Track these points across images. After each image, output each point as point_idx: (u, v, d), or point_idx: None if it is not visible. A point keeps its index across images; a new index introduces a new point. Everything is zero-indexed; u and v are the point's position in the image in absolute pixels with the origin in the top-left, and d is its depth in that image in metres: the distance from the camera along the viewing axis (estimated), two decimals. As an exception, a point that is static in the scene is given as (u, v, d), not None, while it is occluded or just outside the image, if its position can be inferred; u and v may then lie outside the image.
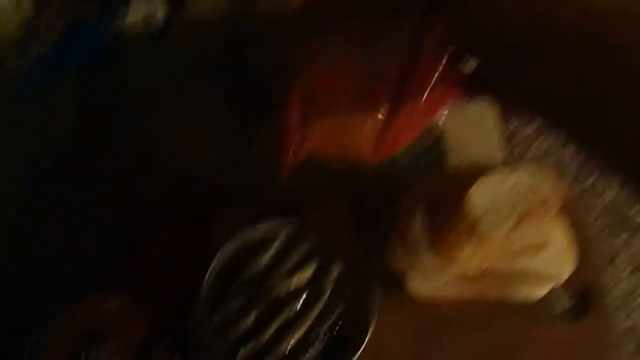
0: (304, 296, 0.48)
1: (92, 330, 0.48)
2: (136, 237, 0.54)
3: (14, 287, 0.52)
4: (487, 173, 0.48)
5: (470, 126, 0.61)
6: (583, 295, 0.54)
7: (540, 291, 0.53)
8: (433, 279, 0.52)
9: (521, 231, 0.46)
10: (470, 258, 0.45)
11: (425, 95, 0.52)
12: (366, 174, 0.54)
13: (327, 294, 0.49)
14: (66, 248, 0.53)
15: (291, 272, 0.49)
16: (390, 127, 0.52)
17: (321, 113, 0.51)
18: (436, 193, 0.49)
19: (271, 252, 0.50)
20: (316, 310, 0.48)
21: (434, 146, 0.60)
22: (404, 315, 0.52)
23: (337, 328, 0.48)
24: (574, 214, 0.54)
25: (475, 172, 0.49)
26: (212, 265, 0.48)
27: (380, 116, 0.52)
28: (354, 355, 0.46)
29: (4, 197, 0.55)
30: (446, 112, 0.55)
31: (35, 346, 0.48)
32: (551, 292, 0.53)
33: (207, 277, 0.48)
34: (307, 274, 0.49)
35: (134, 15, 0.59)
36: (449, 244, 0.45)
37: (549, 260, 0.50)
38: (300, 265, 0.50)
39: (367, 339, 0.47)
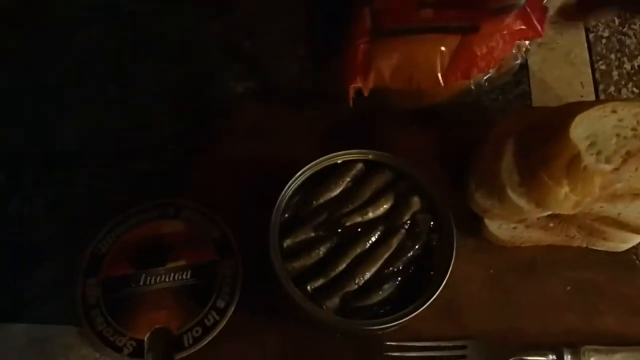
0: (379, 230, 0.46)
1: (152, 249, 0.48)
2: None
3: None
4: (586, 108, 0.43)
5: (558, 63, 0.57)
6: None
7: (628, 243, 0.49)
8: (515, 222, 0.48)
9: (624, 172, 0.42)
10: (566, 197, 0.42)
11: (505, 18, 0.48)
12: (449, 108, 0.50)
13: (404, 229, 0.46)
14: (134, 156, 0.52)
15: (367, 204, 0.46)
16: (463, 52, 0.49)
17: (391, 35, 0.47)
18: (527, 127, 0.45)
19: (348, 180, 0.47)
20: (392, 246, 0.45)
21: (517, 82, 0.56)
22: (480, 258, 0.49)
23: (412, 266, 0.45)
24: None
25: (570, 108, 0.45)
26: (285, 188, 0.46)
27: (453, 39, 0.49)
28: (431, 297, 0.43)
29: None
30: (529, 44, 0.51)
31: (94, 256, 0.48)
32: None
33: (279, 200, 0.45)
34: (383, 206, 0.46)
35: None
36: (545, 180, 0.42)
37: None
38: (377, 197, 0.47)
39: (445, 280, 0.43)
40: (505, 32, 0.49)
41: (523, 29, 0.49)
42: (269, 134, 0.53)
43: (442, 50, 0.48)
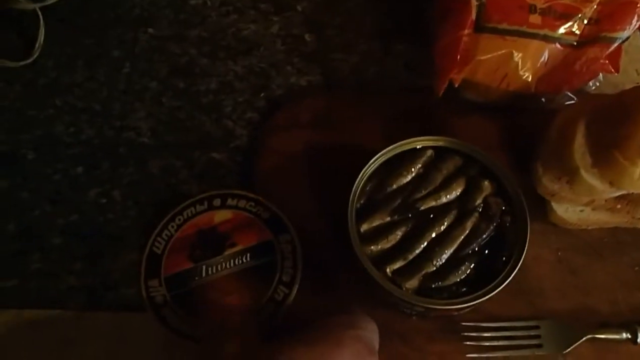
0: (452, 213, 0.47)
1: (207, 241, 0.50)
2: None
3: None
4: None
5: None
6: None
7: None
8: (582, 204, 0.49)
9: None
10: (640, 178, 0.43)
11: (609, 47, 0.50)
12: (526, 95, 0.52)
13: (477, 212, 0.47)
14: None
15: (439, 188, 0.47)
16: (563, 66, 0.50)
17: (495, 32, 0.48)
18: (597, 110, 0.46)
19: (419, 166, 0.48)
20: (466, 228, 0.46)
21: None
22: (548, 241, 0.50)
23: (486, 248, 0.46)
24: None
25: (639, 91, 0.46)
26: (360, 174, 0.47)
27: (556, 51, 0.50)
28: (508, 277, 0.44)
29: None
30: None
31: (150, 258, 0.49)
32: None
33: (355, 186, 0.46)
34: (455, 190, 0.48)
35: None
36: (620, 160, 0.43)
37: None
38: (448, 182, 0.48)
39: (522, 260, 0.44)
40: (602, 60, 0.51)
41: (607, 62, 0.52)
42: (333, 124, 0.54)
43: (543, 59, 0.50)
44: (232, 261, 0.48)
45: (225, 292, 0.48)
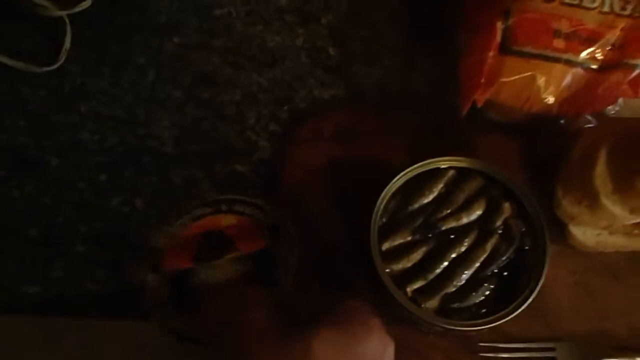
0: (473, 234, 0.47)
1: (209, 244, 0.48)
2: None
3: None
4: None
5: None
6: None
7: None
8: (600, 228, 0.50)
9: None
10: (663, 206, 0.43)
11: (632, 72, 0.50)
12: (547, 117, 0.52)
13: (498, 233, 0.47)
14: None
15: (461, 209, 0.48)
16: (585, 90, 0.51)
17: (519, 54, 0.49)
18: (620, 136, 0.47)
19: (441, 186, 0.49)
20: (486, 249, 0.47)
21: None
22: (565, 263, 0.51)
23: (507, 270, 0.47)
24: None
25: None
26: (383, 192, 0.47)
27: (579, 75, 0.50)
28: (527, 299, 0.45)
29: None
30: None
31: (153, 252, 0.47)
32: None
33: (378, 204, 0.47)
34: (477, 211, 0.48)
35: None
36: (642, 188, 0.43)
37: None
38: (470, 203, 0.48)
39: (541, 283, 0.45)
40: (623, 85, 0.51)
41: (628, 87, 0.51)
42: (356, 138, 0.55)
43: (566, 82, 0.50)
44: (232, 266, 0.47)
45: (221, 297, 0.46)
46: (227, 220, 0.49)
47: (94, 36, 0.57)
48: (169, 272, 0.47)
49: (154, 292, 0.46)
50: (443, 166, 0.49)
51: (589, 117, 0.54)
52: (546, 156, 0.53)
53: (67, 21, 0.56)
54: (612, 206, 0.46)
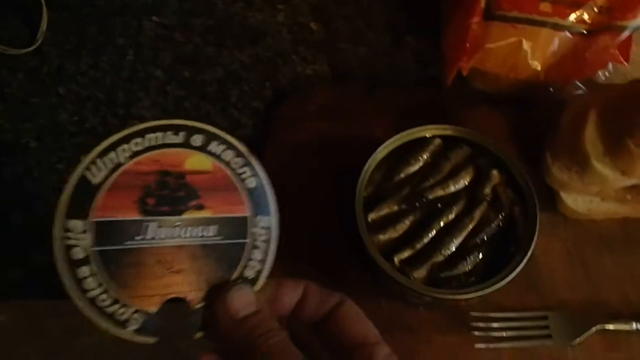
0: (461, 203, 0.46)
1: (167, 189, 0.35)
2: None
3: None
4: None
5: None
6: None
7: None
8: (592, 195, 0.49)
9: None
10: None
11: (620, 36, 0.49)
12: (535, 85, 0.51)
13: (486, 201, 0.46)
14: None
15: (448, 177, 0.47)
16: (573, 55, 0.50)
17: (504, 20, 0.48)
18: (609, 100, 0.46)
19: (427, 155, 0.48)
20: (475, 218, 0.46)
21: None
22: (557, 232, 0.50)
23: (496, 238, 0.46)
24: None
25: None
26: (367, 163, 0.46)
27: (566, 40, 0.49)
28: (517, 267, 0.44)
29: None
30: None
31: (82, 188, 0.33)
32: None
33: (362, 174, 0.46)
34: (464, 180, 0.47)
35: None
36: (632, 148, 0.42)
37: None
38: (457, 171, 0.47)
39: (531, 250, 0.44)
40: (612, 51, 0.50)
41: (617, 52, 0.51)
42: (341, 115, 0.54)
43: (553, 47, 0.49)
44: (191, 229, 0.35)
45: (168, 269, 0.34)
46: (196, 161, 0.36)
47: (71, 17, 0.56)
48: (100, 222, 0.33)
49: (73, 246, 0.33)
50: (428, 135, 0.48)
51: (579, 85, 0.53)
52: (535, 125, 0.52)
53: (44, 2, 0.55)
54: (604, 169, 0.44)
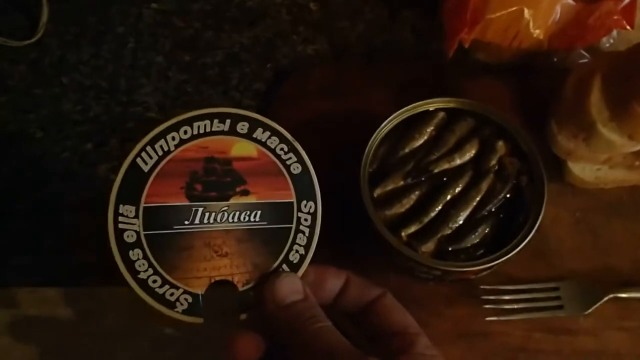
0: (467, 175, 0.46)
1: (214, 175, 0.37)
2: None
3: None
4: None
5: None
6: None
7: None
8: (599, 163, 0.48)
9: None
10: (660, 128, 0.42)
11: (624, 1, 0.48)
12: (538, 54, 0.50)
13: (492, 173, 0.46)
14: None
15: (453, 150, 0.47)
16: (576, 22, 0.49)
17: None
18: (613, 64, 0.45)
19: (431, 128, 0.47)
20: (482, 189, 0.45)
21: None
22: (565, 202, 0.49)
23: (504, 209, 0.45)
24: None
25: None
26: (371, 139, 0.46)
27: (569, 7, 0.49)
28: (526, 237, 0.43)
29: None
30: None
31: (132, 175, 0.35)
32: None
33: (367, 150, 0.45)
34: (469, 152, 0.47)
35: None
36: (638, 111, 0.41)
37: None
38: (462, 144, 0.47)
39: (540, 219, 0.43)
40: (616, 17, 0.49)
41: (621, 18, 0.50)
42: (341, 93, 0.53)
43: (555, 15, 0.49)
44: (238, 214, 0.36)
45: (216, 252, 0.36)
46: (242, 148, 0.37)
47: (71, 8, 0.56)
48: (149, 207, 0.35)
49: (124, 232, 0.34)
50: (431, 108, 0.47)
51: (583, 53, 0.53)
52: (539, 94, 0.51)
53: (43, -7, 0.55)
54: (610, 134, 0.44)
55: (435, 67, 0.53)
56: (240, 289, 0.36)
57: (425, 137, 0.47)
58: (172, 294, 0.34)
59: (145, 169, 0.35)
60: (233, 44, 0.56)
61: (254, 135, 0.37)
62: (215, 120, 0.37)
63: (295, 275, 0.36)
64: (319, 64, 0.55)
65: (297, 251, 0.37)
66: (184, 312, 0.35)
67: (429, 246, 0.44)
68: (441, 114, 0.48)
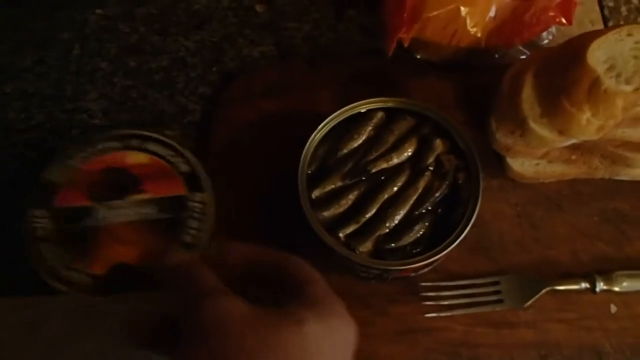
0: (405, 174, 0.46)
1: (113, 181, 0.46)
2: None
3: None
4: (602, 34, 0.44)
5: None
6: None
7: (652, 169, 0.50)
8: (538, 157, 0.49)
9: (645, 94, 0.42)
10: (588, 122, 0.42)
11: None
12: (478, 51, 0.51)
13: (430, 171, 0.46)
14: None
15: (391, 150, 0.47)
16: (513, 19, 0.50)
17: None
18: (547, 59, 0.46)
19: (370, 128, 0.47)
20: (419, 188, 0.46)
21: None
22: (506, 197, 0.50)
23: (441, 207, 0.46)
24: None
25: (585, 36, 0.45)
26: (309, 140, 0.46)
27: (505, 4, 0.50)
28: (461, 234, 0.44)
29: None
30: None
31: (45, 185, 0.45)
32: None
33: (304, 151, 0.46)
34: (407, 151, 0.47)
35: None
36: (567, 107, 0.42)
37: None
38: (400, 143, 0.47)
39: (475, 215, 0.44)
40: (552, 12, 0.50)
41: (558, 13, 0.50)
42: (286, 92, 0.54)
43: (491, 12, 0.49)
44: (135, 208, 0.45)
45: (116, 241, 0.44)
46: (135, 158, 0.46)
47: (14, 14, 0.56)
48: (59, 209, 0.44)
49: (36, 229, 0.43)
50: (370, 108, 0.48)
51: (523, 49, 0.53)
52: (481, 91, 0.52)
53: (-15, 1, 0.55)
54: (542, 130, 0.44)
55: (378, 62, 0.53)
56: (139, 269, 0.43)
57: (364, 137, 0.47)
58: (74, 277, 0.43)
59: (55, 180, 0.45)
60: (179, 48, 0.56)
61: (145, 147, 0.47)
62: (112, 141, 0.47)
63: (186, 252, 0.43)
64: (263, 65, 0.55)
65: (190, 234, 0.44)
66: (87, 291, 0.43)
67: (367, 246, 0.44)
68: (380, 114, 0.48)
